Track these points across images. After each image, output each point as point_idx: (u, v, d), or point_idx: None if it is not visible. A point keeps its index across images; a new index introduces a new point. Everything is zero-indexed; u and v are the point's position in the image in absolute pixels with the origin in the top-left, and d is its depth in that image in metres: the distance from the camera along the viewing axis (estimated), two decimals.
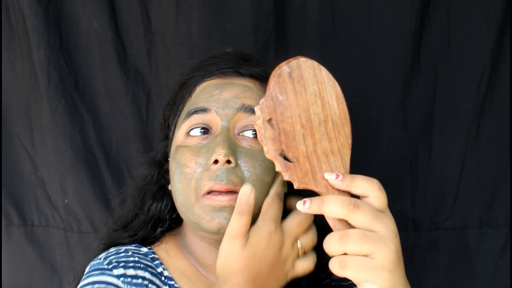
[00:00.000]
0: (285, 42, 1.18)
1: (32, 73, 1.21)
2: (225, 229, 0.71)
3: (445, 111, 1.18)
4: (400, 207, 1.19)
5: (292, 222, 0.72)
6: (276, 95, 0.61)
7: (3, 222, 1.27)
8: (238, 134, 0.76)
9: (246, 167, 0.73)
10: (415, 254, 1.20)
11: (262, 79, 0.80)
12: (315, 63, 0.63)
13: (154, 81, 1.21)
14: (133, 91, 1.21)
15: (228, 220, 0.71)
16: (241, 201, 0.69)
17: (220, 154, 0.71)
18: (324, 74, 0.63)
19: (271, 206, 0.70)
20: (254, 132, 0.75)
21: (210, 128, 0.77)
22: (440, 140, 1.18)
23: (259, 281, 0.67)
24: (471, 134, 1.17)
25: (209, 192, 0.72)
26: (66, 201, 1.23)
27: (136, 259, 0.79)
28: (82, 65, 1.21)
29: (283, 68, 0.62)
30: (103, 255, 0.80)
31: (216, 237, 0.74)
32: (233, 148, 0.73)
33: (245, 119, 0.76)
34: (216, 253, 0.76)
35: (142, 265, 0.78)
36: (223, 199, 0.71)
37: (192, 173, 0.74)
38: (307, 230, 0.73)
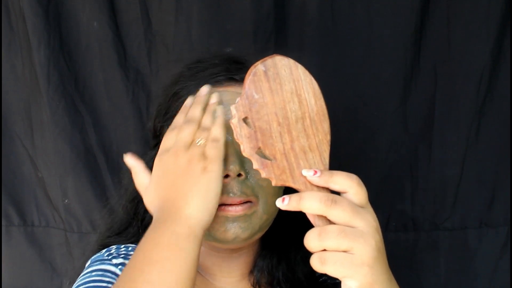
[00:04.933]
0: (285, 42, 1.18)
1: (32, 73, 1.21)
2: (240, 238, 0.71)
3: (445, 111, 1.17)
4: (400, 207, 1.19)
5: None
6: (251, 94, 0.61)
7: (3, 222, 1.27)
8: None
9: (254, 175, 0.73)
10: (415, 254, 1.20)
11: None
12: (291, 61, 0.62)
13: (154, 81, 1.21)
14: (133, 91, 1.21)
15: (243, 228, 0.71)
16: None
17: (231, 170, 0.71)
18: (300, 71, 0.62)
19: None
20: None
21: None
22: (440, 140, 1.18)
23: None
24: (471, 134, 1.17)
25: (221, 204, 0.71)
26: (66, 201, 1.23)
27: None
28: (82, 66, 1.21)
29: (258, 67, 0.61)
30: (104, 250, 0.80)
31: (231, 246, 0.74)
32: (241, 159, 0.72)
33: None
34: (214, 257, 0.78)
35: None
36: (238, 209, 0.71)
37: None
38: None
